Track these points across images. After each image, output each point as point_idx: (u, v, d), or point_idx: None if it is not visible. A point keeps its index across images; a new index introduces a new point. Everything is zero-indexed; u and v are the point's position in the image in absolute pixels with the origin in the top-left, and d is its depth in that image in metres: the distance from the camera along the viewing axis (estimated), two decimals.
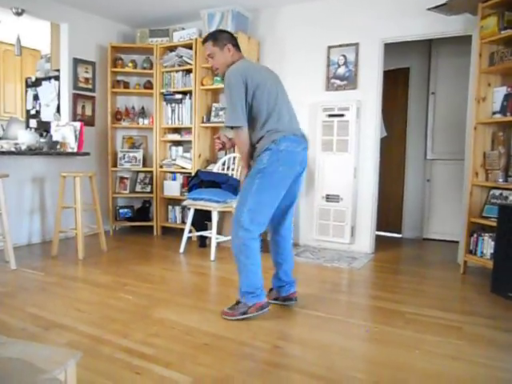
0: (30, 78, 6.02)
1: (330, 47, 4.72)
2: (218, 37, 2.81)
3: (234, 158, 4.69)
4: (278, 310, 2.93)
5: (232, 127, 2.67)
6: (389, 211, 5.65)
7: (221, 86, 4.90)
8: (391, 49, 4.71)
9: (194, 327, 2.59)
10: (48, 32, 5.67)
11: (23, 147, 4.74)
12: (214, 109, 5.05)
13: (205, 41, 2.85)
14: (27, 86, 6.01)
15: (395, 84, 5.58)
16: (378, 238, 4.85)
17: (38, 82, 5.84)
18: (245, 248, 2.69)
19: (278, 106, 2.71)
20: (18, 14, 4.78)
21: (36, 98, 5.87)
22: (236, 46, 2.85)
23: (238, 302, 2.79)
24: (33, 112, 5.92)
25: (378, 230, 4.86)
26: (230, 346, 2.35)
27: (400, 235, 5.64)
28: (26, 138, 4.93)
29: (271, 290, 3.10)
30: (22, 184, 4.65)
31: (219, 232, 4.45)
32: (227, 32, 2.90)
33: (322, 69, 4.78)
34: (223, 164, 4.74)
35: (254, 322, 2.68)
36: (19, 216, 4.63)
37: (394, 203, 5.68)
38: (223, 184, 4.39)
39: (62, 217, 4.29)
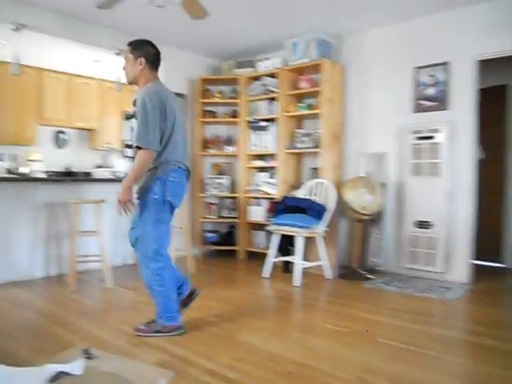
0: (127, 111, 6.52)
1: (417, 68, 4.57)
2: (138, 47, 2.77)
3: (319, 184, 4.65)
4: (362, 339, 2.79)
5: (139, 147, 2.59)
6: (487, 238, 5.21)
7: (305, 112, 4.94)
8: (485, 66, 4.43)
9: (277, 353, 2.55)
10: None
11: (120, 175, 5.12)
12: (297, 135, 5.09)
13: (128, 44, 2.81)
14: (125, 118, 6.51)
15: (491, 103, 5.22)
16: (475, 267, 4.48)
17: (134, 115, 6.30)
18: (158, 278, 2.75)
19: (176, 137, 2.69)
20: (118, 54, 5.25)
21: (132, 129, 6.33)
22: (153, 63, 2.77)
23: (153, 321, 2.83)
24: (129, 142, 6.39)
25: (475, 258, 4.49)
26: (313, 375, 2.27)
27: (501, 264, 5.16)
28: (122, 166, 5.34)
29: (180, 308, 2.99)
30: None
31: (304, 258, 4.40)
32: (150, 47, 2.81)
33: (409, 90, 4.63)
34: (308, 189, 4.72)
35: (338, 352, 2.58)
36: (116, 238, 4.96)
37: (493, 229, 5.23)
38: (308, 209, 4.36)
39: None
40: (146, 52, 2.76)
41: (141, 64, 2.74)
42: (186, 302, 3.00)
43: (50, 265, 4.48)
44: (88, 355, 1.37)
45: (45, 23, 4.55)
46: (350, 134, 5.05)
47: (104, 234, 4.06)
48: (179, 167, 2.74)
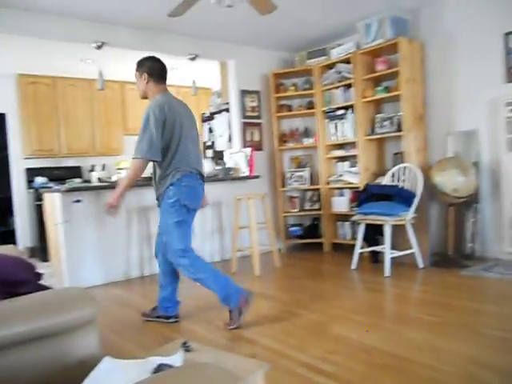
0: (204, 113, 6.70)
1: (508, 33, 4.17)
2: (141, 64, 2.97)
3: (404, 169, 4.43)
4: (464, 330, 2.60)
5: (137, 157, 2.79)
6: None
7: (384, 95, 4.73)
8: None
9: (373, 346, 2.46)
10: (217, 70, 6.27)
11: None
12: (377, 120, 4.89)
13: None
14: (203, 120, 6.70)
15: None
16: None
17: (211, 116, 6.46)
18: (193, 269, 2.88)
19: (185, 145, 2.87)
20: (193, 59, 5.40)
21: (211, 130, 6.50)
22: (157, 76, 2.94)
23: (230, 311, 2.88)
24: (208, 143, 6.56)
25: None
26: (413, 368, 2.16)
27: None
28: (204, 167, 5.48)
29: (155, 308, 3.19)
30: (203, 208, 5.13)
31: (393, 247, 4.22)
32: (153, 62, 2.98)
33: (499, 59, 4.25)
34: (392, 176, 4.52)
35: (439, 344, 2.42)
36: (202, 237, 5.11)
37: None
38: (395, 196, 4.17)
39: (238, 236, 4.60)
40: (149, 67, 2.95)
41: (145, 79, 2.95)
42: (160, 315, 3.16)
43: (143, 265, 4.73)
44: (187, 348, 1.40)
45: (122, 38, 4.81)
46: (434, 113, 4.75)
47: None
48: (191, 172, 2.92)
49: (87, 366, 1.15)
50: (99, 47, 4.73)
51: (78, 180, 6.11)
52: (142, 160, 2.80)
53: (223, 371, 0.75)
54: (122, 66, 6.29)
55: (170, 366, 1.14)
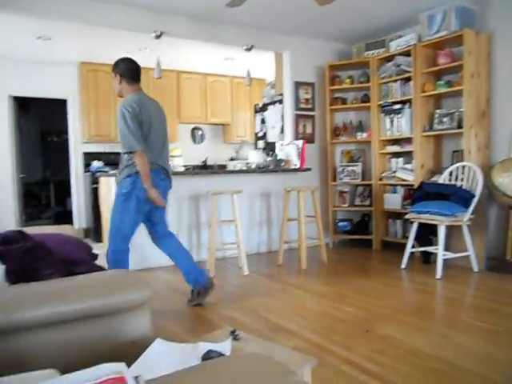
0: (257, 104, 6.71)
1: None
2: (116, 65, 3.15)
3: (463, 168, 4.24)
4: None
5: (131, 152, 2.93)
6: None
7: (445, 90, 4.54)
8: None
9: (420, 349, 2.38)
10: (272, 61, 6.24)
11: (253, 166, 5.29)
12: (436, 116, 4.70)
13: None
14: (255, 111, 6.71)
15: None
16: None
17: (264, 108, 6.46)
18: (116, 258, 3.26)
19: (151, 140, 3.04)
20: (248, 49, 5.40)
21: (263, 121, 6.50)
22: (130, 77, 3.12)
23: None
24: (260, 134, 6.56)
25: None
26: (464, 376, 2.07)
27: None
28: (255, 157, 5.50)
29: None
30: (252, 198, 5.17)
31: (447, 248, 4.06)
32: (126, 63, 3.15)
33: None
34: (450, 174, 4.33)
35: (493, 353, 2.31)
36: (250, 227, 5.14)
37: None
38: (451, 196, 4.00)
39: (286, 229, 4.58)
40: (122, 68, 3.14)
41: (118, 79, 3.14)
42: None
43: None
44: (235, 336, 1.41)
45: (180, 28, 4.87)
46: (498, 110, 4.49)
47: (240, 223, 4.22)
48: (153, 167, 3.04)
49: (140, 345, 1.18)
50: (158, 37, 4.82)
51: None
52: (140, 152, 2.94)
53: (275, 363, 0.75)
54: (178, 56, 6.40)
55: (219, 353, 1.15)
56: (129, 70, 3.15)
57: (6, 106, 6.37)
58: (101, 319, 1.21)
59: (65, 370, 0.82)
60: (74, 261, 1.92)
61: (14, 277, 1.58)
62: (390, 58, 5.11)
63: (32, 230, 2.06)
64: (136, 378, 0.70)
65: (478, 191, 3.96)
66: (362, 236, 5.48)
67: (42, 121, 8.70)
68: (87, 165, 6.70)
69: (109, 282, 1.31)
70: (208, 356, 1.15)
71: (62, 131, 7.44)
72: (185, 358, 1.14)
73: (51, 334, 1.14)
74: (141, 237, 4.49)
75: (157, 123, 3.14)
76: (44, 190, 8.81)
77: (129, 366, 0.77)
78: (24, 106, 7.71)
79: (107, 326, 1.22)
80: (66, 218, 7.13)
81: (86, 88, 6.54)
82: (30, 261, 1.67)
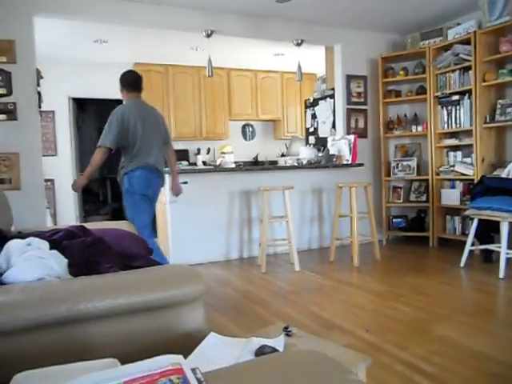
0: (308, 99, 6.64)
1: None
2: (120, 78, 3.64)
3: None
4: None
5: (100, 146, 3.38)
6: None
7: (509, 78, 4.29)
8: None
9: (480, 351, 2.27)
10: (322, 55, 6.15)
11: (304, 162, 5.25)
12: (499, 106, 4.45)
13: None
14: (306, 106, 6.65)
15: None
16: None
17: (315, 102, 6.39)
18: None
19: (140, 144, 3.43)
20: (298, 44, 5.35)
21: (314, 116, 6.43)
22: (128, 87, 3.59)
23: None
24: (311, 130, 6.50)
25: None
26: None
27: None
28: (306, 153, 5.46)
29: None
30: (303, 194, 5.13)
31: (510, 246, 3.84)
32: (126, 75, 3.64)
33: None
34: None
35: None
36: (302, 223, 5.11)
37: None
38: None
39: (338, 225, 4.52)
40: (122, 81, 3.63)
41: (122, 91, 3.65)
42: None
43: (243, 247, 4.86)
44: (288, 332, 1.41)
45: (230, 26, 4.91)
46: None
47: (291, 218, 4.21)
48: (145, 165, 3.45)
49: (194, 339, 1.20)
50: (209, 36, 4.89)
51: (184, 162, 6.45)
52: (103, 149, 3.38)
53: (331, 361, 0.73)
54: (229, 53, 6.45)
55: (272, 348, 1.15)
56: (128, 81, 3.63)
57: (65, 107, 6.70)
58: (158, 312, 1.24)
59: (124, 359, 0.85)
60: (131, 255, 1.99)
61: (76, 270, 1.65)
62: (447, 47, 4.89)
63: (92, 226, 2.16)
64: (193, 369, 0.72)
65: None
66: (417, 233, 5.30)
67: (99, 121, 9.06)
68: None
69: (165, 276, 1.34)
70: (262, 351, 1.16)
71: None
72: (239, 352, 1.15)
73: (112, 325, 1.19)
74: (194, 233, 4.60)
75: (149, 127, 3.54)
76: (102, 187, 9.19)
77: (184, 358, 0.79)
78: (82, 106, 8.07)
79: (164, 318, 1.25)
80: (122, 213, 7.39)
81: None
82: (90, 255, 1.75)
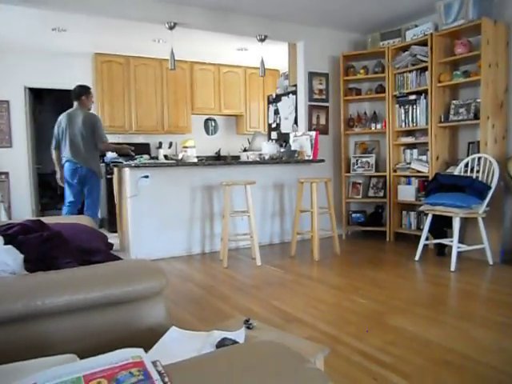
0: (271, 95, 6.68)
1: None
2: None
3: (479, 159, 4.19)
4: None
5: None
6: None
7: (462, 80, 4.47)
8: None
9: (434, 341, 2.38)
10: (286, 52, 6.20)
11: (266, 157, 5.28)
12: (453, 106, 4.63)
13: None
14: (268, 102, 6.69)
15: None
16: None
17: (277, 98, 6.43)
18: None
19: (65, 143, 4.72)
20: (262, 40, 5.37)
21: (276, 112, 6.48)
22: (73, 98, 4.82)
23: None
24: (273, 125, 6.55)
25: None
26: (478, 368, 2.06)
27: None
28: (268, 148, 5.49)
29: None
30: (265, 190, 5.17)
31: (461, 240, 4.03)
32: (75, 88, 4.85)
33: None
34: (466, 166, 4.28)
35: (506, 345, 2.30)
36: (263, 218, 5.15)
37: None
38: (467, 188, 3.96)
39: (299, 220, 4.58)
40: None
41: None
42: None
43: (205, 242, 4.85)
44: (249, 325, 1.43)
45: (193, 19, 4.86)
46: None
47: (253, 213, 4.24)
48: (67, 160, 4.70)
49: (155, 333, 1.20)
50: (171, 28, 4.83)
51: (146, 156, 6.33)
52: (52, 150, 4.88)
53: (290, 351, 0.76)
54: (192, 47, 6.39)
55: (233, 341, 1.17)
56: (73, 94, 4.82)
57: (21, 97, 6.45)
58: (118, 307, 1.23)
59: (84, 355, 0.84)
60: (91, 250, 1.95)
61: (32, 265, 1.61)
62: (405, 48, 5.04)
63: (49, 220, 2.10)
64: (154, 362, 0.72)
65: (493, 183, 3.91)
66: (375, 228, 5.46)
67: (57, 112, 8.76)
68: (102, 155, 6.75)
69: (126, 270, 1.33)
70: (222, 344, 1.17)
71: None
72: (199, 345, 1.16)
73: (71, 321, 1.17)
74: (156, 228, 4.55)
75: (73, 130, 4.69)
76: None
77: (145, 352, 0.79)
78: (39, 97, 7.78)
79: (125, 313, 1.24)
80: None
81: (100, 79, 6.59)
82: (48, 250, 1.70)
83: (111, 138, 6.87)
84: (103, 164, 6.60)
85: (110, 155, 6.56)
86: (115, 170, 5.08)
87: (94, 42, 6.09)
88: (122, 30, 5.59)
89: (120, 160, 6.10)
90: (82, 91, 4.78)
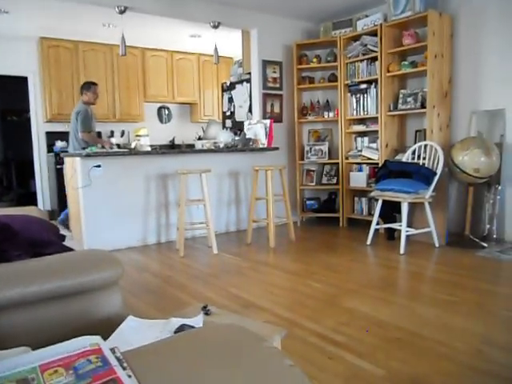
0: (225, 83, 6.65)
1: None
2: None
3: (425, 146, 4.37)
4: (477, 310, 2.62)
5: None
6: None
7: (410, 70, 4.63)
8: None
9: (385, 320, 2.49)
10: (239, 39, 6.18)
11: (221, 145, 5.27)
12: (401, 96, 4.80)
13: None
14: (223, 90, 6.66)
15: None
16: None
17: (232, 86, 6.41)
18: None
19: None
20: (215, 26, 5.32)
21: (231, 100, 6.46)
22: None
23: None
24: (228, 113, 6.53)
25: None
26: (424, 343, 2.19)
27: None
28: (223, 137, 5.48)
29: None
30: (221, 178, 5.17)
31: (409, 224, 4.21)
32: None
33: None
34: (413, 153, 4.46)
35: (452, 322, 2.45)
36: (219, 207, 5.16)
37: None
38: (414, 174, 4.13)
39: (254, 208, 4.63)
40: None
41: None
42: None
43: (160, 232, 4.81)
44: (207, 312, 1.44)
45: (145, 3, 4.75)
46: (459, 91, 4.64)
47: (208, 202, 4.23)
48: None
49: (112, 323, 1.19)
50: (122, 12, 4.69)
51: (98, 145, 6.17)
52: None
53: (247, 331, 0.78)
54: (143, 32, 6.24)
55: (191, 327, 1.18)
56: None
57: None
58: (73, 298, 1.21)
59: (40, 348, 0.83)
60: (42, 242, 1.89)
61: None
62: (356, 38, 5.16)
63: None
64: (112, 349, 0.72)
65: (439, 169, 4.11)
66: (329, 214, 5.60)
67: (1, 99, 8.34)
68: (50, 145, 6.51)
69: (80, 260, 1.31)
70: (181, 330, 1.18)
71: (23, 110, 7.18)
72: (158, 333, 1.16)
73: (25, 314, 1.14)
74: (110, 218, 4.45)
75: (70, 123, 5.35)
76: (5, 172, 8.51)
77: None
78: None
79: (80, 304, 1.22)
80: (29, 199, 6.92)
81: (46, 65, 6.31)
82: None
83: (61, 127, 6.65)
84: (52, 154, 6.37)
85: (60, 144, 6.34)
86: (66, 159, 4.91)
87: (39, 25, 5.81)
88: (69, 13, 5.36)
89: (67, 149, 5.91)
90: (83, 87, 5.29)
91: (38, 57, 6.39)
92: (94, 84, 5.34)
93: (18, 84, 6.63)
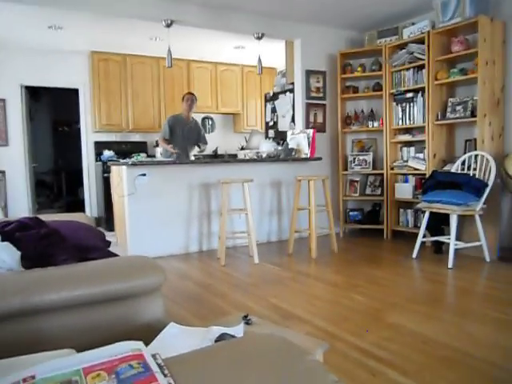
0: (268, 93, 6.68)
1: None
2: None
3: (476, 156, 4.20)
4: None
5: None
6: None
7: (459, 78, 4.48)
8: None
9: (431, 337, 2.39)
10: (283, 50, 6.19)
11: (263, 155, 5.28)
12: (450, 104, 4.64)
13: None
14: (266, 100, 6.68)
15: None
16: None
17: (275, 96, 6.43)
18: None
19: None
20: (259, 38, 5.36)
21: (273, 110, 6.47)
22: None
23: None
24: (271, 123, 6.54)
25: None
26: (475, 363, 2.07)
27: None
28: (265, 147, 5.49)
29: None
30: (263, 187, 5.17)
31: (459, 237, 4.04)
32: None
33: None
34: (463, 163, 4.29)
35: (505, 342, 2.31)
36: (261, 216, 5.15)
37: None
38: (464, 185, 3.97)
39: (296, 218, 4.59)
40: None
41: None
42: None
43: (202, 240, 4.85)
44: (247, 321, 1.43)
45: (190, 16, 4.85)
46: None
47: (250, 211, 4.24)
48: None
49: (154, 329, 1.20)
50: (168, 25, 4.82)
51: (143, 155, 6.34)
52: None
53: (290, 343, 0.76)
54: (189, 45, 6.38)
55: (232, 336, 1.17)
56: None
57: (17, 96, 6.42)
58: (116, 303, 1.23)
59: (82, 351, 0.83)
60: (88, 247, 1.94)
61: (29, 263, 1.60)
62: (402, 46, 5.05)
63: (46, 217, 2.09)
64: (154, 355, 0.72)
65: (490, 180, 3.93)
66: (372, 225, 5.47)
67: (53, 110, 8.76)
68: (98, 154, 6.74)
69: (124, 266, 1.33)
70: (221, 339, 1.17)
71: (73, 121, 7.49)
72: (199, 341, 1.16)
73: (69, 317, 1.16)
74: (153, 226, 4.54)
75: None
76: (56, 180, 8.89)
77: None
78: (35, 95, 7.76)
79: (122, 309, 1.24)
80: (77, 207, 7.19)
81: (96, 77, 6.56)
82: (45, 247, 1.69)
83: (108, 137, 6.88)
84: (99, 162, 6.60)
85: (107, 153, 6.56)
86: (112, 168, 5.06)
87: (90, 39, 6.07)
88: (118, 28, 5.57)
89: (116, 158, 6.10)
90: (182, 98, 5.54)
91: (88, 70, 6.66)
92: (187, 94, 5.56)
93: (70, 96, 6.94)
